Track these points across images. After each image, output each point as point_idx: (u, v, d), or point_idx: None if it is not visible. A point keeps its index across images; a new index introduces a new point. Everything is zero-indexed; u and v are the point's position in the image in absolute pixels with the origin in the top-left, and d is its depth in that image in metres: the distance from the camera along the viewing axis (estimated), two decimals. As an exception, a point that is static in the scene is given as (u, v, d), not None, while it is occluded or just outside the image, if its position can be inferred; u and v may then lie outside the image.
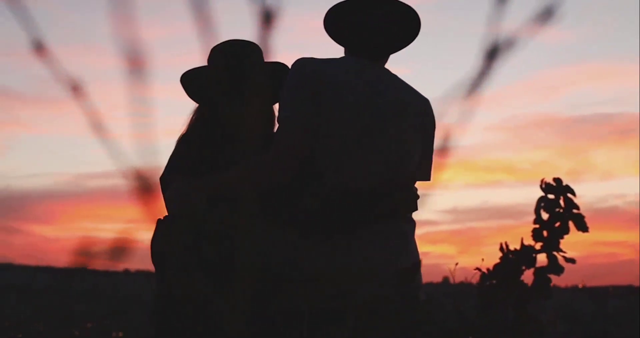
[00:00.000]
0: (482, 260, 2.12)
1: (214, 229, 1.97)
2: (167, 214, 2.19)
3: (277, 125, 2.10)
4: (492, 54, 0.56)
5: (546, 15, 0.53)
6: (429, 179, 2.22)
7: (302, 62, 2.05)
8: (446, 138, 0.59)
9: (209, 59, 2.41)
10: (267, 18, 0.54)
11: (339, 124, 2.00)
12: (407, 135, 2.09)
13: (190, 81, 2.41)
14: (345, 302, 1.96)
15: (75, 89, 0.63)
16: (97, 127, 0.61)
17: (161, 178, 2.25)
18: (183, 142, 2.37)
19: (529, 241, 1.47)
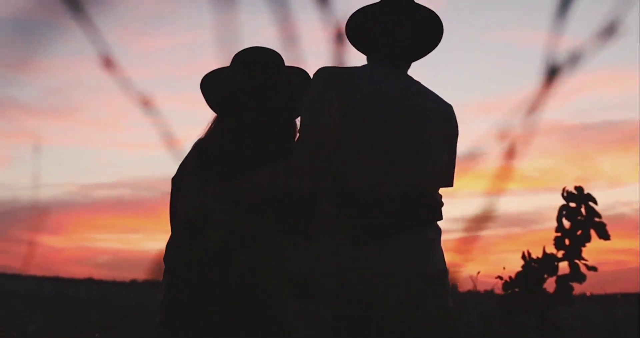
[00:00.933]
0: (504, 268, 2.13)
1: (240, 238, 1.99)
2: (172, 217, 2.21)
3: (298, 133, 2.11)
4: (553, 71, 0.58)
5: (609, 30, 0.55)
6: (451, 185, 2.22)
7: (324, 71, 2.05)
8: (511, 147, 0.61)
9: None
10: (340, 36, 0.56)
11: (361, 132, 2.01)
12: (430, 142, 2.09)
13: (208, 89, 2.42)
14: (371, 310, 1.97)
15: (146, 103, 0.65)
16: (168, 139, 0.63)
17: (173, 179, 2.27)
18: (199, 147, 2.38)
19: (551, 249, 1.48)
